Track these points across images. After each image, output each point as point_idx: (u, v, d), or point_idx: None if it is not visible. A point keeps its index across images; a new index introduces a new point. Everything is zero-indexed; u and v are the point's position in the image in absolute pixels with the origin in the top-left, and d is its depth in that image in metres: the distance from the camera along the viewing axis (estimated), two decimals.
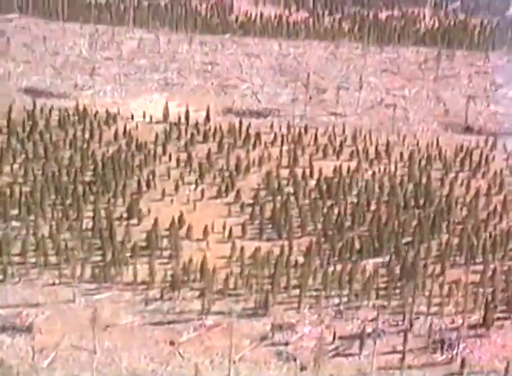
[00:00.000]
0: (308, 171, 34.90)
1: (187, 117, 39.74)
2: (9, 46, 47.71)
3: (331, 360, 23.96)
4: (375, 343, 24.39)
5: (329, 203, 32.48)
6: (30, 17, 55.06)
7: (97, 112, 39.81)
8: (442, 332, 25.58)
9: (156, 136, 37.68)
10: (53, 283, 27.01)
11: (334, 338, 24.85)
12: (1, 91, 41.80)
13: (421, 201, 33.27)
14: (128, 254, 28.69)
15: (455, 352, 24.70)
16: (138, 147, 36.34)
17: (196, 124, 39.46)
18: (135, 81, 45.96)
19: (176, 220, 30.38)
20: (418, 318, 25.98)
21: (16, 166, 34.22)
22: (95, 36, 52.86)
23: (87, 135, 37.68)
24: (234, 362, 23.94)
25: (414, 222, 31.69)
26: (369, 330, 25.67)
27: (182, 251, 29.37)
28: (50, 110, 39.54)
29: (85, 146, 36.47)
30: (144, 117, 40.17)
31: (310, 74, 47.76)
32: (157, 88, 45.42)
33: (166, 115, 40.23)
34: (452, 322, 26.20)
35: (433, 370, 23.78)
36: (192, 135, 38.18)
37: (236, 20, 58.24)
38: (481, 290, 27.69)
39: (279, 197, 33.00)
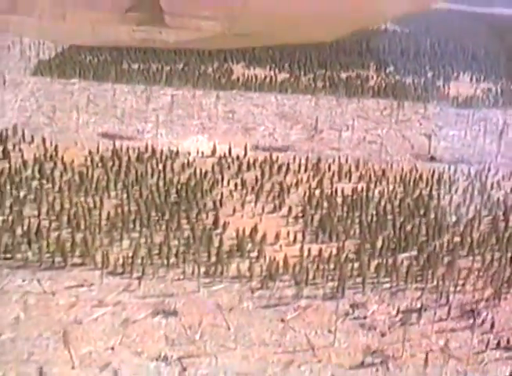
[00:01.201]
0: (333, 191, 35.60)
1: (230, 152, 40.17)
2: (87, 103, 47.58)
3: (400, 328, 24.71)
4: (435, 313, 25.15)
5: (356, 214, 33.27)
6: (88, 81, 54.39)
7: (162, 150, 39.84)
8: (469, 304, 26.58)
9: (213, 167, 37.89)
10: (178, 279, 27.01)
11: (398, 312, 25.61)
12: (85, 136, 41.33)
13: (422, 211, 34.29)
14: (225, 256, 28.85)
15: (482, 318, 25.71)
16: (203, 175, 36.56)
17: (238, 157, 39.79)
18: (180, 126, 45.86)
19: (254, 229, 30.71)
20: (449, 295, 26.94)
21: (118, 192, 34.05)
22: (137, 93, 52.62)
23: (160, 167, 37.68)
24: (332, 332, 24.42)
25: (424, 226, 32.62)
26: (418, 305, 26.50)
27: (265, 252, 29.65)
28: (127, 149, 39.43)
29: (162, 175, 36.49)
30: (197, 153, 40.37)
31: (308, 118, 48.65)
32: (198, 131, 45.39)
33: (214, 151, 40.53)
34: (473, 296, 27.21)
35: (470, 331, 24.68)
36: (238, 165, 38.55)
37: (238, 80, 58.75)
38: (485, 273, 28.81)
39: (319, 211, 33.55)
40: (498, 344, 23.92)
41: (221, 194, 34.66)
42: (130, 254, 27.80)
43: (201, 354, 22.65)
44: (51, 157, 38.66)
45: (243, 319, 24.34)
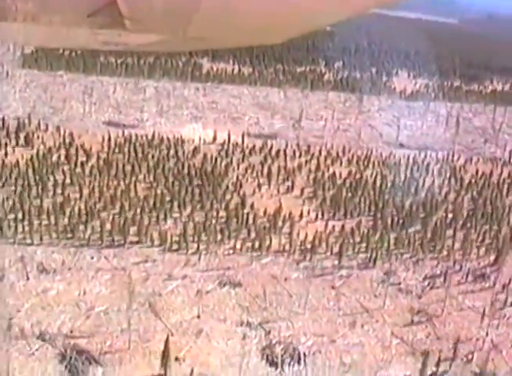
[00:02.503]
0: (331, 173, 36.63)
1: (229, 139, 40.33)
2: (82, 93, 46.02)
3: (430, 291, 26.07)
4: (459, 279, 26.81)
5: (359, 193, 34.44)
6: (74, 73, 52.79)
7: (168, 137, 39.54)
8: (479, 270, 28.33)
9: (219, 152, 38.10)
10: (228, 254, 27.34)
11: (424, 278, 26.99)
12: (92, 124, 40.52)
13: (413, 190, 35.96)
14: (263, 232, 29.32)
15: (492, 281, 27.50)
16: (213, 160, 36.66)
17: (237, 143, 40.11)
18: (173, 116, 45.69)
19: (279, 208, 31.22)
20: (461, 263, 28.55)
21: (145, 175, 33.66)
22: (123, 84, 51.72)
23: (172, 153, 37.45)
24: (378, 296, 25.51)
25: (420, 204, 34.23)
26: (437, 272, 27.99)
27: (296, 228, 30.32)
28: (136, 137, 38.88)
29: (177, 160, 36.32)
30: (200, 140, 40.31)
31: (284, 109, 49.51)
32: (191, 120, 45.39)
33: (215, 138, 40.60)
34: (479, 263, 29.01)
35: (486, 292, 26.42)
36: (241, 151, 38.84)
37: (208, 73, 58.77)
38: (482, 243, 30.62)
39: (327, 191, 34.49)
40: None
41: (237, 177, 35.01)
42: (180, 232, 27.84)
43: (277, 319, 23.24)
44: (70, 143, 37.73)
45: (299, 287, 25.00)
